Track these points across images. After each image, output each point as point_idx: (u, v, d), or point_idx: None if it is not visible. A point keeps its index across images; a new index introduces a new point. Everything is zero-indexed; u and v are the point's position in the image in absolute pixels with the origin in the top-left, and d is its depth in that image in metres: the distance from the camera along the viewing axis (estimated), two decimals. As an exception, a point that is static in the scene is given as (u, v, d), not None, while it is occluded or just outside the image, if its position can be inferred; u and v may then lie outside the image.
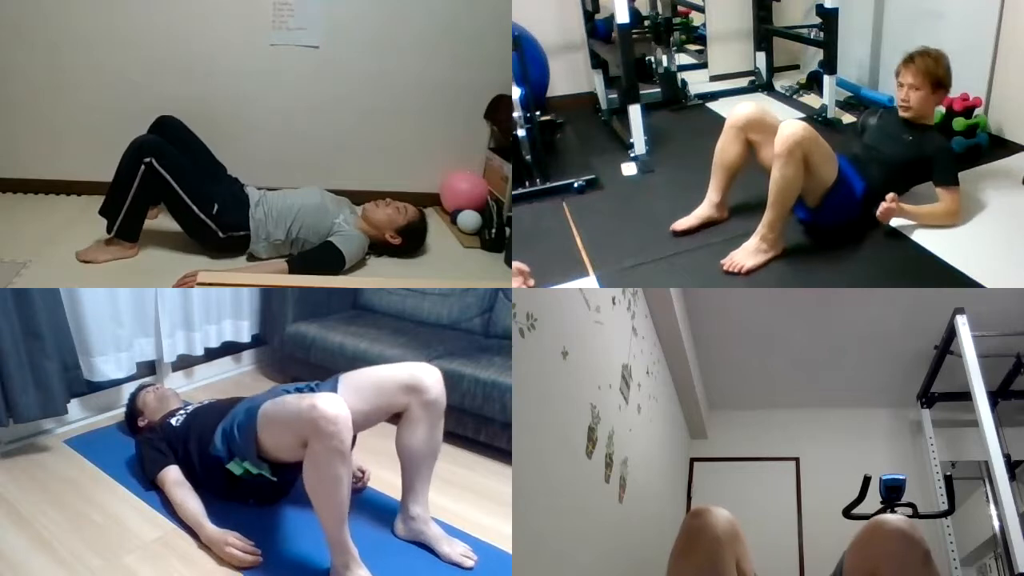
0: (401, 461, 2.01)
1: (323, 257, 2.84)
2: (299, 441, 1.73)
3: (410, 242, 3.15)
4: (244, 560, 1.85)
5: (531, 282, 1.83)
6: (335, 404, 1.69)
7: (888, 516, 1.50)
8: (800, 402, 3.30)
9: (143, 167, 2.60)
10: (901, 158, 2.26)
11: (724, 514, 1.40)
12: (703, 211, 2.39)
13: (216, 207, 2.78)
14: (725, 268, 2.15)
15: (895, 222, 2.25)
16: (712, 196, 2.38)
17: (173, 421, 2.28)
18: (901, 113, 2.27)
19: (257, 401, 1.96)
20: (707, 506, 1.42)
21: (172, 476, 2.12)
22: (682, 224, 2.38)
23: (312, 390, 2.04)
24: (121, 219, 2.69)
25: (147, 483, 2.20)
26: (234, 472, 1.99)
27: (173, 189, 2.67)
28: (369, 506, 2.20)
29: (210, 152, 2.99)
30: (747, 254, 2.15)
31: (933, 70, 2.17)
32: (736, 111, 2.30)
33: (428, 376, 1.97)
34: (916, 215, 2.24)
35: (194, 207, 2.72)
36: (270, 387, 2.21)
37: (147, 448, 2.23)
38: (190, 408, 2.34)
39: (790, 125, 2.06)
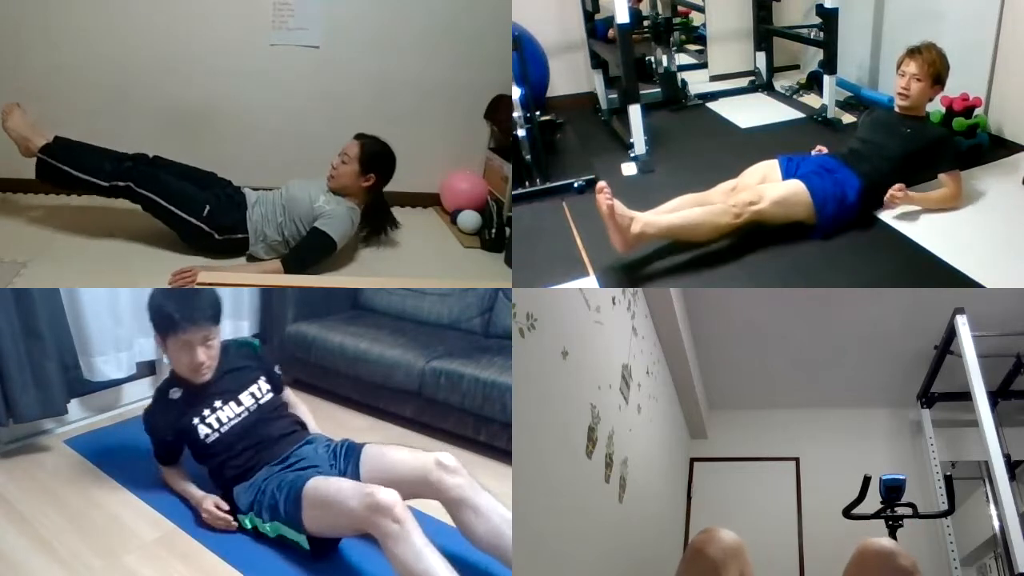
0: (486, 552, 1.84)
1: (313, 244, 2.78)
2: (352, 528, 1.80)
3: (380, 170, 2.97)
4: (217, 522, 2.00)
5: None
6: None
7: (872, 539, 1.54)
8: (800, 402, 3.30)
9: (116, 186, 2.67)
10: (903, 150, 2.30)
11: (730, 534, 1.46)
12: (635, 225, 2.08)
13: (207, 209, 2.74)
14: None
15: (897, 222, 2.27)
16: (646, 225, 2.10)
17: (202, 433, 2.07)
18: (898, 102, 2.32)
19: (303, 477, 1.92)
20: (715, 527, 1.47)
21: (172, 471, 2.21)
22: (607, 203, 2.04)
23: (334, 452, 2.07)
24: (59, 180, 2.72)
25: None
26: (243, 524, 2.00)
27: (151, 199, 2.68)
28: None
29: (189, 166, 2.91)
30: None
31: (937, 64, 2.24)
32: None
33: (445, 470, 1.86)
34: (920, 201, 2.30)
35: (179, 212, 2.70)
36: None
37: (166, 437, 2.15)
38: (223, 427, 2.10)
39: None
